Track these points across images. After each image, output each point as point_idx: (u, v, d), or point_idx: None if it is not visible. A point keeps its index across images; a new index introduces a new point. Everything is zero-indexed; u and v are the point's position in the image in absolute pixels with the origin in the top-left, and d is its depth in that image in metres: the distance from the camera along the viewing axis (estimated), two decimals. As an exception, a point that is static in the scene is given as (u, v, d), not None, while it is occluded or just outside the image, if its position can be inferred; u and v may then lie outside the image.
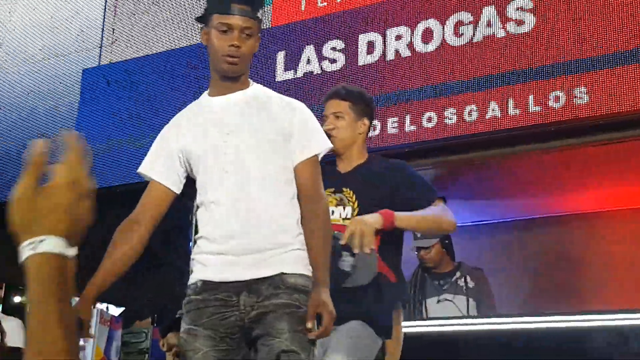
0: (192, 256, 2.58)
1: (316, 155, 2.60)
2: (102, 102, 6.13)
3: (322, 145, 2.63)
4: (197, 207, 2.55)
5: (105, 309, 5.92)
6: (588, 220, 5.96)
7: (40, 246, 0.90)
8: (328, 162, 3.02)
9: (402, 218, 3.04)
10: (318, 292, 2.37)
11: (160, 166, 2.55)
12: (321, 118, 3.09)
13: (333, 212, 2.99)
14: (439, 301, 4.66)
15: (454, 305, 4.57)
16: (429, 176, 5.10)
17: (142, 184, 3.88)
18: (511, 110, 4.69)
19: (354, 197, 3.10)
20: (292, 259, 2.43)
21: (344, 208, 3.08)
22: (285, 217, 2.47)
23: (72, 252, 0.94)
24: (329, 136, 2.85)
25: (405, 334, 3.81)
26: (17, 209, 0.93)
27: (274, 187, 2.49)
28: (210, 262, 2.44)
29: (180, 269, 5.52)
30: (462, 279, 4.67)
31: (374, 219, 2.94)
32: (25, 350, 0.94)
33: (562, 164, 5.25)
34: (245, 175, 2.48)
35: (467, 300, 4.59)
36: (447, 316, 4.47)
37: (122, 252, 2.43)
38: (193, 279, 2.48)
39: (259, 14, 2.58)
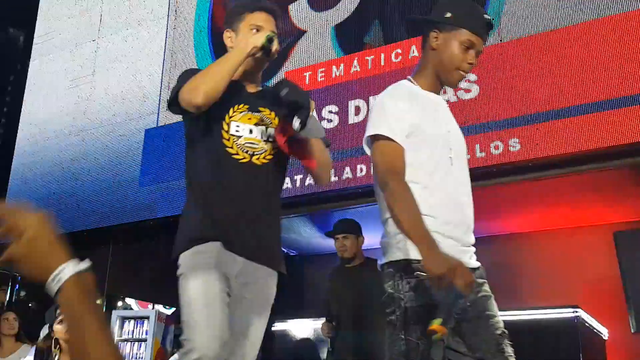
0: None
1: None
2: (159, 154, 6.06)
3: None
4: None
5: (164, 311, 6.15)
6: (517, 239, 5.88)
7: (62, 276, 0.89)
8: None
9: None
10: None
11: (400, 132, 2.05)
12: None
13: (252, 130, 2.31)
14: None
15: None
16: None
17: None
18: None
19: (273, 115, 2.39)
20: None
21: (266, 128, 2.35)
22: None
23: (85, 264, 0.92)
24: None
25: None
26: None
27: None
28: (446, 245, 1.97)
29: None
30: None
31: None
32: None
33: (498, 195, 5.14)
34: (463, 168, 2.17)
35: None
36: None
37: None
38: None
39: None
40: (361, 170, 5.01)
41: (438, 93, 2.21)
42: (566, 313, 4.11)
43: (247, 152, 2.26)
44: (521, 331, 3.85)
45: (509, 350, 2.00)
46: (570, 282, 5.20)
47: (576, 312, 4.12)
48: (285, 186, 5.06)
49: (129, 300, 6.52)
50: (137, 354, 5.52)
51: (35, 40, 7.50)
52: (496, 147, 4.57)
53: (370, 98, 5.19)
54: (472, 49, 2.10)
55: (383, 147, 2.05)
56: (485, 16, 2.15)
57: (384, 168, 2.04)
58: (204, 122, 2.27)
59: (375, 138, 2.08)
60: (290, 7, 5.93)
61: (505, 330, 2.03)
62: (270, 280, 2.29)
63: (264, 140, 2.30)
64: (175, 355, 4.24)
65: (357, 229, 4.19)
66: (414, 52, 5.12)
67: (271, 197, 2.35)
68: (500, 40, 4.81)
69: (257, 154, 2.27)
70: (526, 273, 5.58)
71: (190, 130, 2.36)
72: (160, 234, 5.96)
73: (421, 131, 2.08)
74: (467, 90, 4.80)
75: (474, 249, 2.14)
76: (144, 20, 6.72)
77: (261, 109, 2.34)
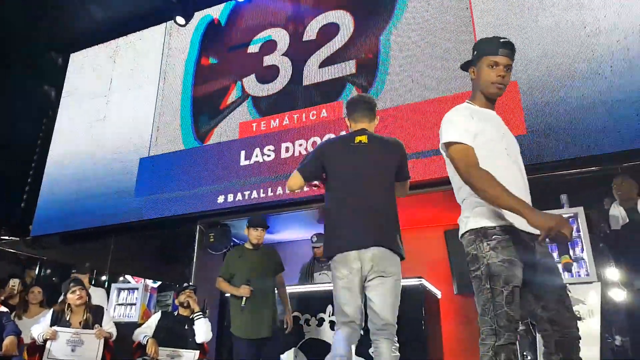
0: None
1: None
2: (150, 175, 6.00)
3: None
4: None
5: (149, 283, 6.10)
6: None
7: None
8: None
9: None
10: None
11: (467, 135, 1.89)
12: None
13: None
14: (320, 274, 4.56)
15: (327, 277, 4.43)
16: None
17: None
18: None
19: None
20: None
21: None
22: None
23: None
24: None
25: (303, 292, 4.00)
26: None
27: None
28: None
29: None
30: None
31: None
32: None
33: None
34: (516, 161, 1.96)
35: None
36: (324, 282, 4.38)
37: None
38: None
39: (514, 58, 1.99)
40: (284, 187, 4.93)
41: (492, 109, 2.03)
42: (414, 281, 4.14)
43: None
44: None
45: (569, 301, 1.81)
46: (418, 263, 4.98)
47: (420, 281, 4.18)
48: (238, 198, 5.28)
49: (127, 277, 6.44)
50: (129, 313, 5.51)
51: (63, 95, 7.38)
52: None
53: (295, 142, 5.23)
54: (497, 66, 1.95)
55: (457, 149, 1.89)
56: (500, 40, 1.98)
57: (463, 164, 1.87)
58: None
59: (449, 144, 1.92)
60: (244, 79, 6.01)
61: (566, 284, 1.86)
62: None
63: None
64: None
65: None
66: (324, 113, 5.23)
67: None
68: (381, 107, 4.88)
69: None
70: None
71: None
72: (147, 231, 5.93)
73: (482, 134, 1.91)
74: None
75: None
76: (142, 83, 6.67)
77: None
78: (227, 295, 3.99)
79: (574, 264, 3.55)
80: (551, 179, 3.96)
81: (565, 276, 3.55)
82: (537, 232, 1.71)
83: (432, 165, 4.56)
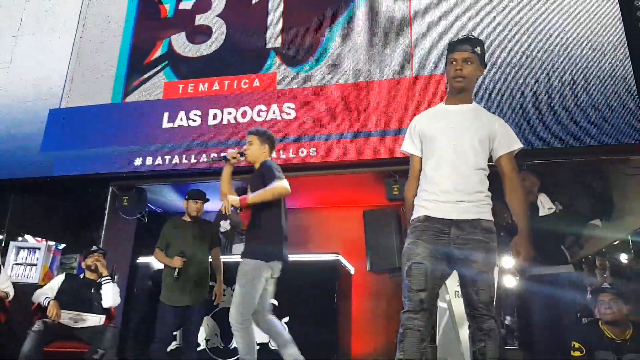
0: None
1: (512, 151, 2.12)
2: (60, 129, 5.61)
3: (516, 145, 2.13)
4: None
5: (53, 244, 5.75)
6: (308, 211, 5.76)
7: None
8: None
9: (252, 197, 2.84)
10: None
11: (413, 145, 2.18)
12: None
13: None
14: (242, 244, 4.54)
15: None
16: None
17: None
18: (282, 155, 4.67)
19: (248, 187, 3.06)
20: None
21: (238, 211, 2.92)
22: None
23: None
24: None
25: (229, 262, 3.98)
26: None
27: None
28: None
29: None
30: None
31: (233, 199, 2.81)
32: None
33: (303, 183, 4.95)
34: (463, 154, 2.09)
35: None
36: None
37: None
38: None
39: (476, 49, 2.08)
40: (208, 155, 4.83)
41: (466, 102, 2.14)
42: (330, 257, 4.26)
43: None
44: (305, 268, 4.05)
45: (482, 292, 2.01)
46: (336, 240, 5.28)
47: (337, 256, 4.29)
48: (157, 162, 5.12)
49: (27, 237, 5.98)
50: (28, 274, 5.17)
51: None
52: (302, 152, 4.73)
53: (224, 109, 5.10)
54: (454, 62, 2.09)
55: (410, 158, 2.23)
56: (459, 38, 2.15)
57: (409, 173, 2.24)
58: None
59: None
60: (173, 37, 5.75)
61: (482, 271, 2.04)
62: None
63: None
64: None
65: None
66: (257, 82, 5.14)
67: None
68: (312, 84, 4.92)
69: None
70: (312, 232, 5.62)
71: None
72: (53, 189, 5.58)
73: (429, 140, 2.13)
74: (288, 114, 4.89)
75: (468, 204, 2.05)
76: (58, 27, 6.13)
77: None
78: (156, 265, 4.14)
79: None
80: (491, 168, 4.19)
81: None
82: (454, 217, 2.00)
83: (354, 147, 4.63)
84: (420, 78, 4.65)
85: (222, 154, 3.17)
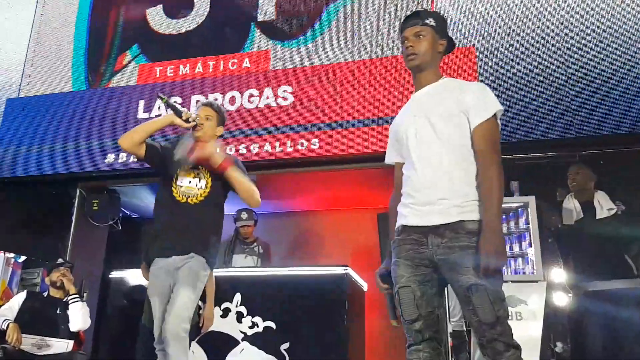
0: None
1: (484, 121, 1.87)
2: (20, 122, 5.52)
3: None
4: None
5: (12, 257, 5.53)
6: (311, 215, 5.77)
7: None
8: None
9: (236, 170, 2.60)
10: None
11: (392, 153, 2.09)
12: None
13: (190, 181, 2.62)
14: (245, 257, 4.49)
15: (252, 261, 4.49)
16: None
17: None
18: (278, 148, 4.61)
19: (208, 174, 2.66)
20: None
21: (199, 180, 2.65)
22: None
23: None
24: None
25: (232, 276, 3.86)
26: None
27: None
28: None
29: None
30: (258, 247, 4.56)
31: (219, 155, 2.55)
32: None
33: (303, 180, 5.08)
34: (420, 146, 1.96)
35: (258, 259, 4.50)
36: (248, 266, 4.41)
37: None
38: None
39: (427, 21, 1.98)
40: None
41: (431, 81, 1.99)
42: (338, 270, 4.03)
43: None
44: (308, 284, 3.90)
45: (477, 301, 1.76)
46: (345, 248, 5.28)
47: (346, 270, 4.04)
48: (132, 159, 4.88)
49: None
50: (-17, 292, 4.94)
51: None
52: (302, 144, 4.60)
53: (209, 95, 4.98)
54: (405, 41, 1.98)
55: None
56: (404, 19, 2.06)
57: None
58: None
59: None
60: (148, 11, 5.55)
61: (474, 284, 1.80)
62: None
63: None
64: None
65: None
66: (247, 63, 5.04)
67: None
68: (312, 63, 4.80)
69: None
70: (316, 240, 5.57)
71: None
72: (13, 191, 5.41)
73: (398, 142, 2.03)
74: (285, 99, 4.77)
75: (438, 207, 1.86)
76: (14, 3, 5.97)
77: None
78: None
79: (519, 259, 3.52)
80: (503, 162, 3.92)
81: (508, 273, 3.51)
82: (431, 223, 1.82)
83: (364, 137, 4.48)
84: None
85: (174, 102, 2.76)
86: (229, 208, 2.97)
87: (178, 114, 2.59)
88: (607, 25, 4.12)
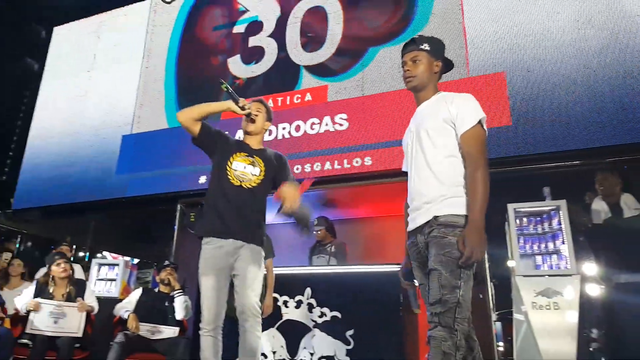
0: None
1: (469, 129, 1.77)
2: (132, 153, 5.69)
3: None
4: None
5: (129, 260, 5.82)
6: (372, 220, 5.54)
7: None
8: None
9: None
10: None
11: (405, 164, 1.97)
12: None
13: (245, 167, 2.34)
14: (318, 257, 4.40)
15: (324, 260, 4.35)
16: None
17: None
18: (336, 166, 4.54)
19: (262, 163, 2.39)
20: None
21: (253, 167, 2.36)
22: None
23: None
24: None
25: (283, 274, 3.75)
26: None
27: None
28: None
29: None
30: (331, 247, 4.40)
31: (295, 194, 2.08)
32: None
33: (362, 193, 4.86)
34: (417, 155, 1.89)
35: (329, 258, 4.35)
36: (321, 264, 4.32)
37: None
38: None
39: (422, 47, 1.90)
40: None
41: (419, 103, 1.93)
42: (394, 268, 3.82)
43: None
44: (366, 279, 3.81)
45: (434, 294, 1.69)
46: (401, 249, 4.99)
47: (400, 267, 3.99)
48: None
49: (105, 253, 6.11)
50: (109, 289, 5.21)
51: (46, 68, 6.87)
52: (357, 162, 4.53)
53: (280, 125, 4.96)
54: (404, 65, 1.93)
55: None
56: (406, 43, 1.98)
57: None
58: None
59: None
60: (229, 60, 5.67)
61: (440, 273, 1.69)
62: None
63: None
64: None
65: None
66: (309, 97, 5.00)
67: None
68: (363, 94, 4.72)
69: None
70: (373, 243, 5.38)
71: None
72: (128, 208, 5.61)
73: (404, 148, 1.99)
74: (341, 124, 4.72)
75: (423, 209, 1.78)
76: (126, 60, 6.24)
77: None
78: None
79: (554, 256, 3.39)
80: (535, 171, 3.79)
81: (545, 268, 3.38)
82: (416, 226, 1.77)
83: None
84: (476, 78, 4.27)
85: (235, 95, 2.38)
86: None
87: (235, 100, 2.35)
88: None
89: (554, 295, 3.16)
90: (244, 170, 2.34)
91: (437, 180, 1.75)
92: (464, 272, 1.63)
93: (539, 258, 3.38)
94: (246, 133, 2.46)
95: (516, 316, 3.07)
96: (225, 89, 2.33)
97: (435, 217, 1.71)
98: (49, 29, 7.01)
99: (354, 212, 5.53)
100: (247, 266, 2.25)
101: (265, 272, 3.57)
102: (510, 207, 3.47)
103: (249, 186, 2.32)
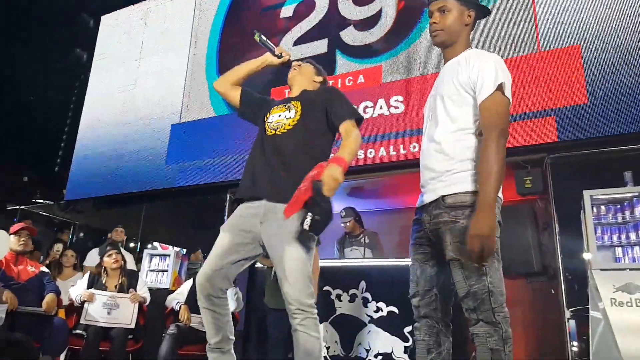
0: None
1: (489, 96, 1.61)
2: (181, 143, 5.84)
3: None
4: None
5: (180, 250, 6.06)
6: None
7: None
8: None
9: (347, 155, 1.84)
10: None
11: None
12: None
13: (280, 115, 2.07)
14: (351, 250, 4.38)
15: (359, 252, 4.35)
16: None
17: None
18: (392, 152, 4.52)
19: (299, 103, 2.08)
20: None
21: (289, 111, 2.06)
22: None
23: None
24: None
25: (335, 267, 3.84)
26: None
27: None
28: None
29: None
30: (363, 238, 4.38)
31: (340, 174, 1.72)
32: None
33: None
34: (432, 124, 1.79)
35: (364, 249, 4.34)
36: (354, 257, 4.30)
37: None
38: None
39: None
40: None
41: (453, 55, 1.76)
42: None
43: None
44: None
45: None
46: None
47: None
48: None
49: (156, 244, 6.41)
50: (160, 280, 5.46)
51: (95, 58, 7.18)
52: (413, 147, 4.47)
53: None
54: (431, 16, 1.77)
55: None
56: None
57: None
58: None
59: None
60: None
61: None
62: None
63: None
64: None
65: None
66: (361, 79, 4.99)
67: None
68: (420, 74, 4.67)
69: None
70: None
71: None
72: (178, 198, 5.78)
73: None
74: (396, 107, 4.68)
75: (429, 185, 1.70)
76: (173, 47, 6.42)
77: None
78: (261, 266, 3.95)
79: (636, 247, 3.23)
80: (614, 153, 3.61)
81: (626, 261, 3.24)
82: (422, 203, 1.71)
83: None
84: (548, 52, 4.09)
85: (269, 44, 2.22)
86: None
87: (271, 50, 2.20)
88: None
89: (636, 291, 2.98)
90: (279, 118, 2.07)
91: (443, 154, 1.64)
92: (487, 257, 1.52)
93: (619, 250, 3.22)
94: (290, 86, 2.22)
95: (592, 313, 2.94)
96: (259, 39, 2.19)
97: (443, 197, 1.62)
98: (97, 17, 7.30)
99: (404, 201, 5.51)
100: (276, 244, 1.86)
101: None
102: (587, 193, 3.30)
103: (283, 131, 2.01)
